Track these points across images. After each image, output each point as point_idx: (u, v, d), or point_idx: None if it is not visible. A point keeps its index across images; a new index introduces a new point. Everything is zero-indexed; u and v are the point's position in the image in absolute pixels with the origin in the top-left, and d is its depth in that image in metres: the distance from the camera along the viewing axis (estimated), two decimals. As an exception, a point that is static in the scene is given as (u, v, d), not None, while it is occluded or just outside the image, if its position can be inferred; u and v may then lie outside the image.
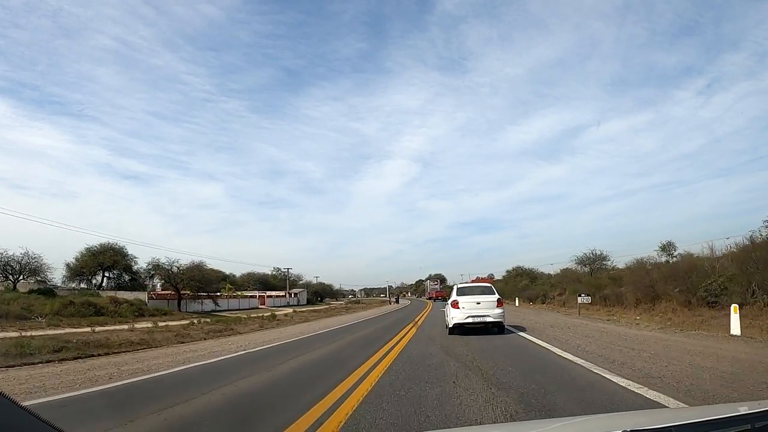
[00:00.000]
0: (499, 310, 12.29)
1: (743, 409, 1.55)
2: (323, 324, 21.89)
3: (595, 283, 27.22)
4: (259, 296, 58.63)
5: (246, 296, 56.05)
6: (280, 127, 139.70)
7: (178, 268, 37.07)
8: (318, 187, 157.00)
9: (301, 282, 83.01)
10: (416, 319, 21.34)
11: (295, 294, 70.15)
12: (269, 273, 77.65)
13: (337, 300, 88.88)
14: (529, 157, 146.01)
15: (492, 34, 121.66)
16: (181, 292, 37.72)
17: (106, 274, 42.44)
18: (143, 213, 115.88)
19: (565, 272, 38.90)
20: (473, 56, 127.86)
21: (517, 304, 35.66)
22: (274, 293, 65.70)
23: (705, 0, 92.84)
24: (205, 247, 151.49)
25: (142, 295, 38.50)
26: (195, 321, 23.27)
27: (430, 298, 72.45)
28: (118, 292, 38.51)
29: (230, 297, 51.33)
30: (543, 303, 33.48)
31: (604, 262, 31.74)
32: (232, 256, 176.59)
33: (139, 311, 33.44)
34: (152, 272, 38.25)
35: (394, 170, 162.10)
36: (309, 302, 72.23)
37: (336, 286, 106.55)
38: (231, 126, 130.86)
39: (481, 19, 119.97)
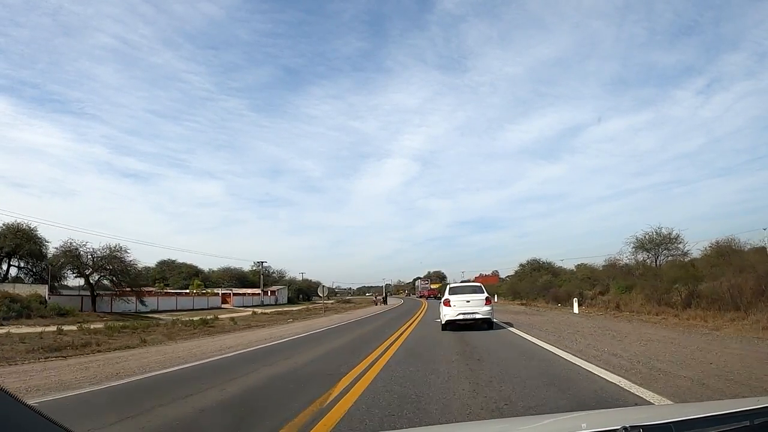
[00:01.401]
0: (487, 308, 12.70)
1: (742, 406, 1.52)
2: (258, 336, 14.47)
3: (670, 275, 17.98)
4: (222, 294, 49.43)
5: (208, 294, 47.10)
6: (280, 125, 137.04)
7: (90, 254, 28.01)
8: (317, 185, 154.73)
9: (284, 278, 74.16)
10: (385, 346, 9.67)
11: (273, 292, 61.02)
12: (248, 269, 68.75)
13: (328, 299, 79.73)
14: (529, 156, 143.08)
15: (492, 33, 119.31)
16: (96, 286, 28.79)
17: (15, 263, 33.50)
18: (143, 211, 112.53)
19: (580, 268, 34.25)
20: (473, 55, 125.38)
21: (575, 310, 21.27)
22: (248, 291, 56.83)
23: (704, 0, 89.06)
24: (203, 246, 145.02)
25: (53, 290, 29.76)
26: (75, 327, 17.27)
27: (421, 297, 67.86)
28: (16, 285, 29.72)
29: (182, 294, 42.45)
30: (580, 305, 24.18)
31: (675, 246, 22.12)
32: (233, 254, 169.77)
33: (25, 311, 24.88)
34: (61, 260, 29.18)
35: (394, 169, 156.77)
36: (290, 301, 63.47)
37: (329, 285, 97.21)
38: (231, 124, 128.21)
39: (481, 18, 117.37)
